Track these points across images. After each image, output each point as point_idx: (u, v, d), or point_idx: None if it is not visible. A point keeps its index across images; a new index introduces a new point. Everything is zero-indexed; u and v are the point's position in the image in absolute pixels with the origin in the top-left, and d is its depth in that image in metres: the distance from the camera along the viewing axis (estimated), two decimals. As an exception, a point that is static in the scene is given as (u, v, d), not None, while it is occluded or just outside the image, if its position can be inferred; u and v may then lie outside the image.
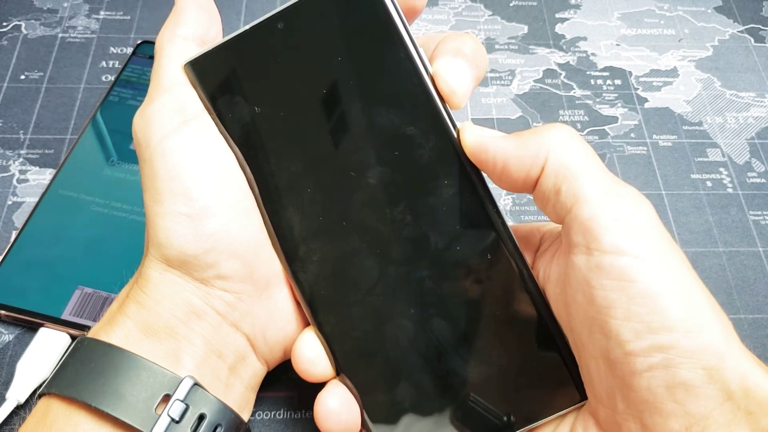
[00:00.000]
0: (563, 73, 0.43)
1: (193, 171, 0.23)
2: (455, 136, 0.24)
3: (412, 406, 0.25)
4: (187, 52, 0.25)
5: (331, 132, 0.24)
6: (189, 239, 0.23)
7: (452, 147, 0.24)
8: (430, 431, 0.25)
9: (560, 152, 0.22)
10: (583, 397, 0.24)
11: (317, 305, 0.25)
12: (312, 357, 0.25)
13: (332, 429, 0.25)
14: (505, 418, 0.25)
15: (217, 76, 0.25)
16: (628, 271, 0.20)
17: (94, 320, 0.31)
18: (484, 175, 0.24)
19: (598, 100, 0.42)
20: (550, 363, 0.25)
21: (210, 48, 0.25)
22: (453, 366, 0.25)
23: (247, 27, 0.24)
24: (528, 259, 0.25)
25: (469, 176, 0.24)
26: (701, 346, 0.20)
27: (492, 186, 0.25)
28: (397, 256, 0.25)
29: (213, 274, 0.24)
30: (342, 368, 0.25)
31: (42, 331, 0.30)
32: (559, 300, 0.24)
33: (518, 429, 0.25)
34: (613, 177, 0.22)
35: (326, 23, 0.24)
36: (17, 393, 0.28)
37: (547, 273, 0.24)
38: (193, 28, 0.25)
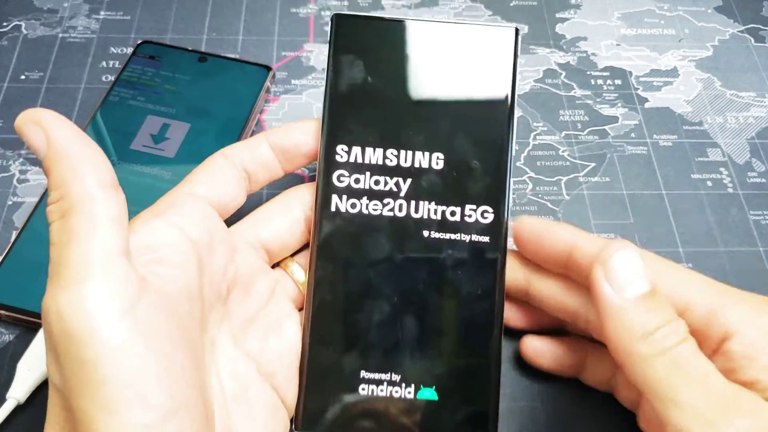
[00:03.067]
0: (563, 73, 0.43)
1: (154, 371, 0.20)
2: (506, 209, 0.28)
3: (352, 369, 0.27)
4: (114, 207, 0.21)
5: (415, 130, 0.28)
6: None
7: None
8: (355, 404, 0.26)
9: None
10: None
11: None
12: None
13: None
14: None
15: (354, 39, 0.29)
16: None
17: (95, 320, 0.31)
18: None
19: (598, 99, 0.42)
20: (478, 394, 0.27)
21: (363, 14, 0.30)
22: (402, 358, 0.27)
23: (401, 17, 0.29)
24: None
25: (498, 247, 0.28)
26: None
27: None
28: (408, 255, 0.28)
29: None
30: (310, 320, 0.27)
31: (42, 331, 0.30)
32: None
33: None
34: None
35: (463, 51, 0.29)
36: (17, 393, 0.28)
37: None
38: (108, 174, 0.21)
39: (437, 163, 0.28)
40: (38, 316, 0.31)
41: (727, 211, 0.37)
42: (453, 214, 0.28)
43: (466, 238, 0.27)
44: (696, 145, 0.40)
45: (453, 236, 0.27)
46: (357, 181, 0.28)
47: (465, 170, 0.28)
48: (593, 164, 0.39)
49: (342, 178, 0.28)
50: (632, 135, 0.40)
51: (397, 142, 0.28)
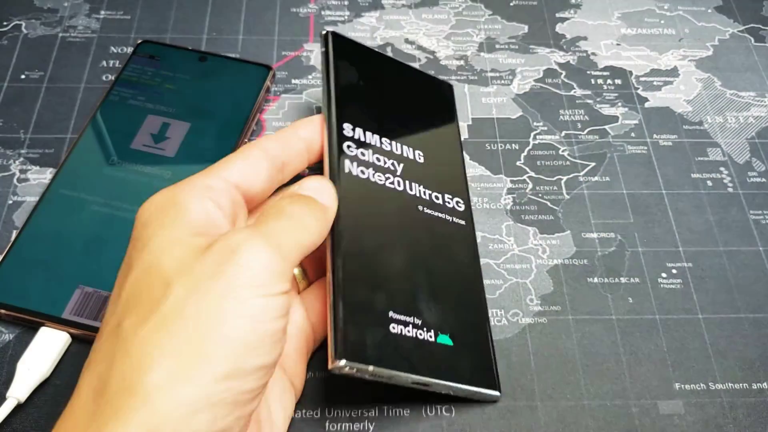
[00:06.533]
0: (563, 73, 0.43)
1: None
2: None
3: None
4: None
5: (400, 131, 0.34)
6: None
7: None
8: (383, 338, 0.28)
9: None
10: (499, 390, 0.30)
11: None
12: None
13: None
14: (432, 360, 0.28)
15: (346, 53, 0.34)
16: None
17: (95, 319, 0.31)
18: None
19: (598, 99, 0.42)
20: (482, 346, 0.30)
21: (355, 41, 0.35)
22: (419, 303, 0.29)
23: (384, 53, 0.38)
24: None
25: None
26: None
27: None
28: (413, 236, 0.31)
29: None
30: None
31: (42, 330, 0.30)
32: None
33: (435, 379, 0.28)
34: None
35: (422, 95, 0.37)
36: (17, 392, 0.28)
37: None
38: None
39: (419, 158, 0.33)
40: (38, 315, 0.31)
41: (727, 211, 0.37)
42: (437, 198, 0.33)
43: (450, 218, 0.32)
44: (696, 145, 0.40)
45: (440, 215, 0.32)
46: (363, 153, 0.31)
47: (440, 168, 0.34)
48: (593, 164, 0.39)
49: (351, 149, 0.31)
50: (632, 135, 0.40)
51: (387, 135, 0.33)
